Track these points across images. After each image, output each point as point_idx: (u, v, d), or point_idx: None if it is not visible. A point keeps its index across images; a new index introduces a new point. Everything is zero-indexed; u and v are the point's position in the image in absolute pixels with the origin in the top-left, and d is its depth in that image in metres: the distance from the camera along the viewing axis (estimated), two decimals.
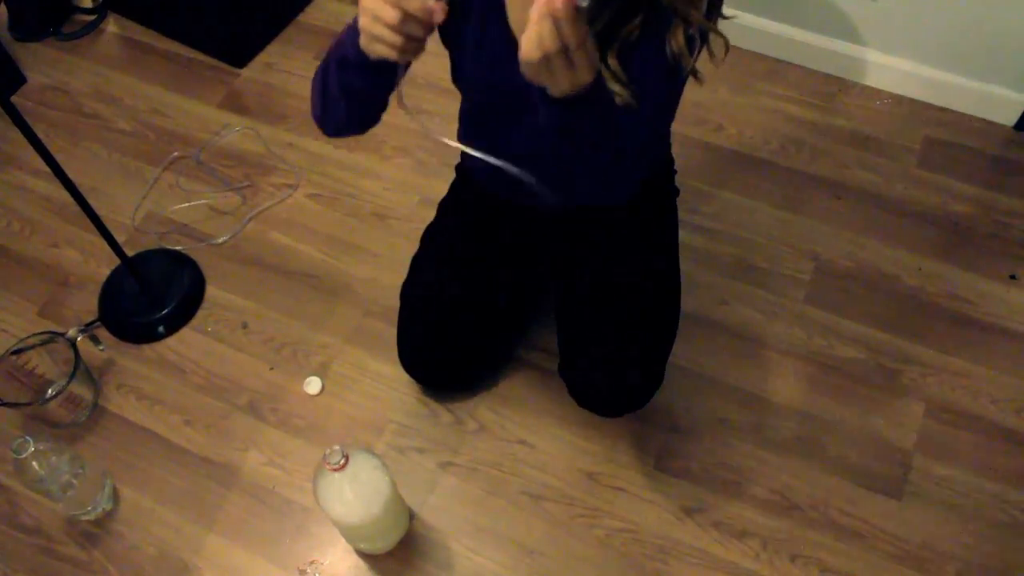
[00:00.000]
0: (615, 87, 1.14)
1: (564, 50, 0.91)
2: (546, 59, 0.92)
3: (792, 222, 2.04)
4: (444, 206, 1.76)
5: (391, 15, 0.99)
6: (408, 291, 1.70)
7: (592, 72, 0.96)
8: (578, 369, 1.59)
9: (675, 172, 1.70)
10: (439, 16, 1.00)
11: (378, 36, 1.02)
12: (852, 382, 1.81)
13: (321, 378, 1.85)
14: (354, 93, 1.22)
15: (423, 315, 1.68)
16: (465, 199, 1.73)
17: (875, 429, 1.76)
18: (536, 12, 0.89)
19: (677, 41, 1.12)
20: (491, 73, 1.32)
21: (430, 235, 1.73)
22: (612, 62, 1.14)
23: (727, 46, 1.18)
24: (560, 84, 0.97)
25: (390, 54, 1.03)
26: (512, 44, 1.25)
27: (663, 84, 1.22)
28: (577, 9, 0.89)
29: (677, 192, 1.70)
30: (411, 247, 1.73)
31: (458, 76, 1.40)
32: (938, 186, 2.09)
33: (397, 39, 1.01)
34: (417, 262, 1.71)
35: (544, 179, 1.47)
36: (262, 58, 2.45)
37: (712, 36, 1.18)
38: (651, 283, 1.59)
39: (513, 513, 1.69)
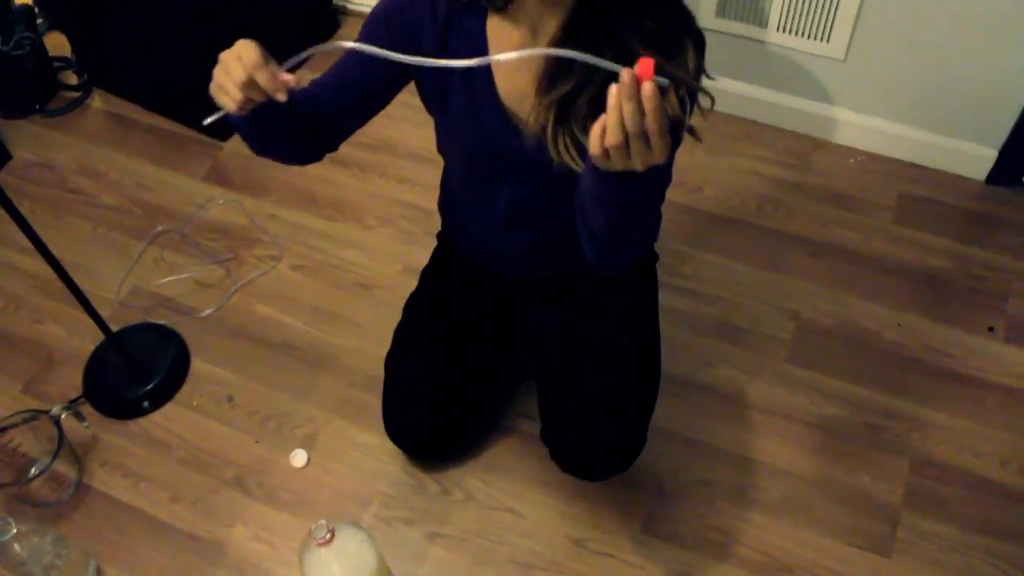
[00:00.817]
0: None
1: (644, 133, 0.92)
2: (625, 143, 0.93)
3: (772, 281, 2.06)
4: (426, 275, 1.77)
5: (239, 76, 1.07)
6: (392, 361, 1.71)
7: (668, 152, 0.95)
8: (560, 434, 1.60)
9: None
10: (282, 97, 1.07)
11: (222, 87, 1.10)
12: (837, 440, 1.82)
13: (307, 450, 1.85)
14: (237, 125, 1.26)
15: (407, 384, 1.68)
16: (447, 268, 1.75)
17: (862, 486, 1.76)
18: (617, 96, 0.91)
19: (671, 104, 1.16)
20: (480, 139, 1.35)
21: (412, 304, 1.75)
22: None
23: (713, 101, 1.23)
24: (633, 165, 0.97)
25: (229, 106, 1.11)
26: (501, 109, 1.28)
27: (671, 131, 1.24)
28: (661, 89, 0.89)
29: (656, 258, 1.72)
30: (395, 316, 1.74)
31: (444, 143, 1.43)
32: (914, 241, 2.13)
33: (238, 96, 1.08)
34: (400, 332, 1.72)
35: (531, 244, 1.49)
36: None
37: (699, 93, 1.22)
38: (631, 347, 1.60)
39: None
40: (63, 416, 1.80)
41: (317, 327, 2.05)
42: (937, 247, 2.11)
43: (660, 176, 1.05)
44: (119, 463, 1.87)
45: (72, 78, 2.67)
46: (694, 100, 1.21)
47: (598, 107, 1.16)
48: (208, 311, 2.09)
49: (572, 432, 1.57)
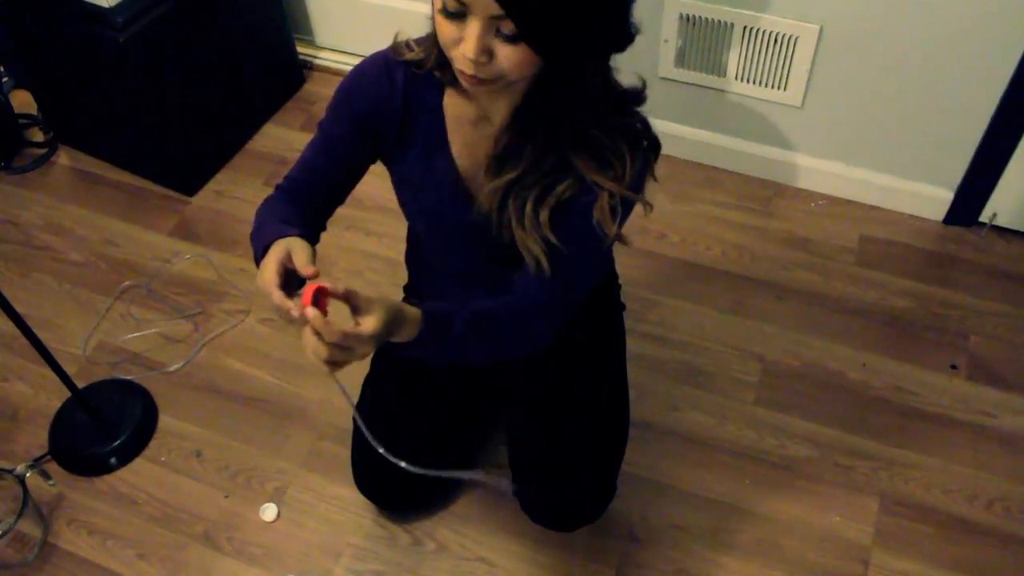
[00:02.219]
0: (535, 248, 1.19)
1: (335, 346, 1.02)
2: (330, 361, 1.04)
3: (737, 325, 2.09)
4: None
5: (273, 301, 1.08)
6: (360, 413, 1.70)
7: (362, 353, 1.06)
8: (530, 486, 1.59)
9: (619, 287, 1.73)
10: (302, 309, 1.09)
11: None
12: (806, 480, 1.83)
13: (277, 504, 1.84)
14: None
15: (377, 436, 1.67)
16: None
17: (832, 527, 1.77)
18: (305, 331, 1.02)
19: (602, 210, 1.18)
20: (438, 209, 1.36)
21: (381, 356, 1.75)
22: (543, 217, 1.18)
23: (651, 207, 1.25)
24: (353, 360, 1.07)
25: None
26: (458, 182, 1.29)
27: (591, 246, 1.25)
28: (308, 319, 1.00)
29: (623, 307, 1.73)
30: (364, 368, 1.74)
31: (404, 208, 1.44)
32: (876, 282, 2.16)
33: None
34: (368, 383, 1.72)
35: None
36: (212, 186, 2.49)
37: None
38: (598, 398, 1.61)
39: None
40: (28, 475, 1.78)
41: (286, 380, 2.04)
42: (899, 287, 2.15)
43: (447, 337, 1.16)
44: (86, 521, 1.84)
45: (38, 135, 2.67)
46: (628, 208, 1.22)
47: (543, 194, 1.18)
48: (176, 366, 2.08)
49: (542, 485, 1.57)
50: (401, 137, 1.30)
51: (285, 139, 2.59)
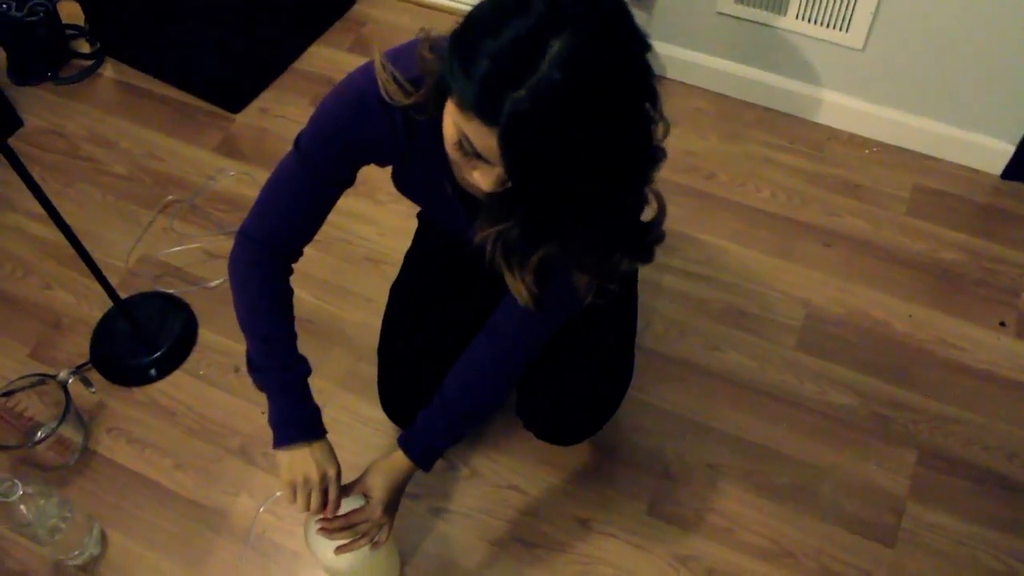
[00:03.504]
0: (520, 291, 1.19)
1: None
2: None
3: (783, 269, 2.06)
4: (409, 259, 1.75)
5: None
6: (384, 350, 1.69)
7: (387, 532, 1.46)
8: (532, 396, 1.57)
9: None
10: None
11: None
12: (845, 429, 1.82)
13: None
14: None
15: (400, 372, 1.66)
16: (428, 249, 1.73)
17: (868, 476, 1.76)
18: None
19: (580, 282, 1.19)
20: (440, 222, 1.41)
21: (397, 291, 1.72)
22: (527, 272, 1.17)
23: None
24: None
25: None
26: (458, 198, 1.29)
27: (570, 303, 1.27)
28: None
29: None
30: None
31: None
32: (927, 233, 2.12)
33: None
34: (388, 319, 1.69)
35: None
36: (257, 103, 2.47)
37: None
38: (605, 312, 1.58)
39: (506, 560, 1.68)
40: (70, 381, 1.80)
41: (327, 301, 2.05)
42: (950, 240, 2.10)
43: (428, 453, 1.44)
44: (125, 429, 1.87)
45: (84, 46, 2.66)
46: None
47: (529, 248, 1.15)
48: (217, 281, 2.09)
49: (544, 392, 1.55)
50: (403, 162, 1.31)
51: (332, 60, 2.56)
